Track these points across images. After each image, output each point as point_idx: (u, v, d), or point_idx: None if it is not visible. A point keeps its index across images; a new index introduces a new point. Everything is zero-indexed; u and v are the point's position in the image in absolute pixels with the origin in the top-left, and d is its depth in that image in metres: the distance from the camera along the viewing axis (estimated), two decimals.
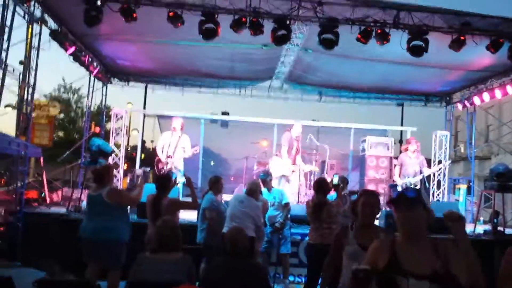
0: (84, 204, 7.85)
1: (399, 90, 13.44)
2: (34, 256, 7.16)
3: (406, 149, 9.60)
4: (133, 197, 5.63)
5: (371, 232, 3.41)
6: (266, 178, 7.14)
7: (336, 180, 5.83)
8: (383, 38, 7.83)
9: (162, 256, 3.64)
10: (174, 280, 3.32)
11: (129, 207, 6.25)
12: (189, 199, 5.92)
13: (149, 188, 7.73)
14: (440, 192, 12.05)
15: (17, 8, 7.91)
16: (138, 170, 11.08)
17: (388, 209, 7.55)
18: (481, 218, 10.42)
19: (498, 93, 10.93)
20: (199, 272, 4.90)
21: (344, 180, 6.59)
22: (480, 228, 8.60)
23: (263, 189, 6.96)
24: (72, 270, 5.67)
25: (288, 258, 6.80)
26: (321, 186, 5.63)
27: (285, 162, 9.19)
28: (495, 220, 8.32)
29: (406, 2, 8.14)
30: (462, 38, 7.93)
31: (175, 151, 9.05)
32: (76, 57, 9.94)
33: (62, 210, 8.16)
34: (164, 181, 5.75)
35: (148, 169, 11.98)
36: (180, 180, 8.43)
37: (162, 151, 9.14)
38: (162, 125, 12.98)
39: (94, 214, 5.18)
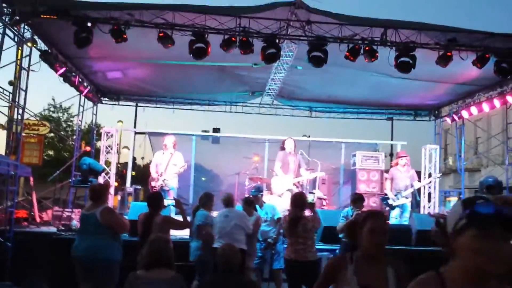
0: (74, 223, 7.82)
1: (388, 104, 13.60)
2: (24, 276, 7.09)
3: (397, 164, 9.69)
4: (124, 222, 5.55)
5: (378, 269, 2.61)
6: (257, 194, 7.20)
7: (310, 198, 5.95)
8: (371, 55, 7.95)
9: (154, 275, 3.62)
10: None
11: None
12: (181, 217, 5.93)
13: (139, 206, 7.74)
14: (431, 205, 12.12)
15: (7, 30, 7.94)
16: (129, 188, 11.07)
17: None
18: None
19: (485, 107, 11.09)
20: None
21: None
22: None
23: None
24: None
25: (281, 273, 6.79)
26: (298, 200, 5.69)
27: (283, 177, 9.28)
28: None
29: (393, 19, 8.28)
30: (448, 54, 8.07)
31: (167, 168, 9.06)
32: (66, 77, 9.95)
33: (52, 229, 8.10)
34: (157, 198, 5.74)
35: (139, 187, 11.96)
36: (169, 201, 8.48)
37: (156, 171, 9.17)
38: (153, 143, 12.98)
39: (87, 233, 5.17)
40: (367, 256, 2.67)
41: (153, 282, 3.56)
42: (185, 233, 7.23)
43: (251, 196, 7.21)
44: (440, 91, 11.70)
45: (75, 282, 5.15)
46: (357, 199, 7.02)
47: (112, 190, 11.73)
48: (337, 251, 7.14)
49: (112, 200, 11.55)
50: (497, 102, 10.68)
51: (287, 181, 9.24)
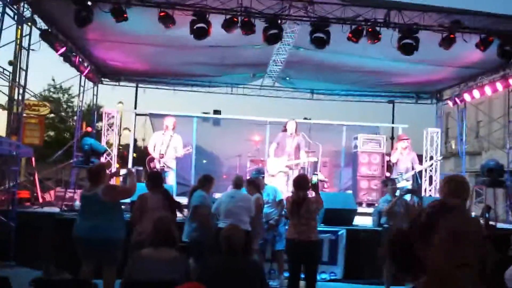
0: (77, 203, 7.85)
1: (390, 87, 13.52)
2: (28, 256, 7.16)
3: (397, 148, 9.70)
4: (127, 189, 5.69)
5: None
6: (258, 176, 7.23)
7: (314, 179, 5.96)
8: (374, 37, 7.89)
9: (158, 254, 3.63)
10: (171, 279, 3.33)
11: (123, 206, 6.26)
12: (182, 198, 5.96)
13: (141, 187, 7.77)
14: (432, 188, 12.15)
15: (7, 9, 7.87)
16: (122, 170, 10.91)
17: (379, 204, 7.63)
18: (473, 213, 10.52)
19: (488, 90, 11.03)
20: None
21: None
22: None
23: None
24: (67, 268, 5.67)
25: (283, 254, 6.85)
26: (300, 182, 5.72)
27: (275, 159, 9.26)
28: (487, 215, 8.39)
29: (396, 0, 8.19)
30: (452, 36, 8.00)
31: (167, 150, 9.05)
32: (66, 57, 9.88)
33: (55, 209, 8.13)
34: (156, 177, 5.75)
35: (140, 168, 11.97)
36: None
37: (154, 150, 9.13)
38: (154, 124, 12.96)
39: (89, 213, 5.19)
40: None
41: (156, 262, 3.58)
42: (180, 214, 7.32)
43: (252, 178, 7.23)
44: (442, 74, 11.63)
45: (78, 262, 5.18)
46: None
47: (114, 171, 11.74)
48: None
49: (115, 181, 11.57)
50: (499, 86, 10.63)
51: (280, 163, 9.24)
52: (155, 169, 9.03)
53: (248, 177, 8.62)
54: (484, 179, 8.78)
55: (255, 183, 6.70)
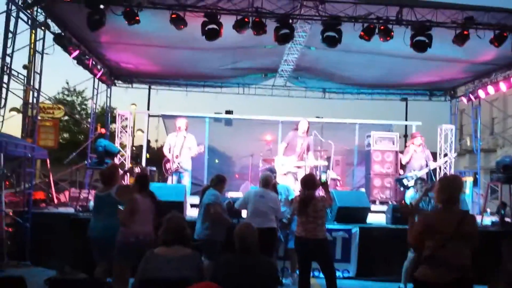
0: (91, 204, 7.93)
1: (403, 85, 13.43)
2: (43, 256, 7.25)
3: (412, 144, 9.62)
4: None
5: None
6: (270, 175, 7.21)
7: (324, 177, 5.98)
8: (386, 34, 7.84)
9: (171, 252, 3.64)
10: (185, 277, 3.34)
11: None
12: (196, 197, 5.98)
13: (154, 187, 7.82)
14: None
15: (20, 14, 7.98)
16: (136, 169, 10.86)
17: (394, 202, 7.61)
18: (488, 210, 10.43)
19: (502, 86, 10.90)
20: None
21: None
22: (487, 220, 8.62)
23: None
24: (82, 268, 5.75)
25: (295, 252, 6.85)
26: (308, 182, 5.76)
27: (284, 159, 9.24)
28: (503, 212, 8.34)
29: None
30: (465, 32, 7.92)
31: (182, 151, 9.10)
32: (79, 60, 9.99)
33: (70, 210, 8.23)
34: (144, 179, 5.81)
35: (153, 168, 12.06)
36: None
37: (170, 152, 9.20)
38: (167, 125, 13.04)
39: (102, 213, 5.25)
40: None
41: (170, 260, 3.59)
42: (194, 213, 7.40)
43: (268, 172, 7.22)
44: (456, 71, 11.52)
45: (92, 262, 5.24)
46: None
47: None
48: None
49: (128, 181, 11.69)
50: None
51: (289, 163, 9.20)
52: (170, 171, 9.09)
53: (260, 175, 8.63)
54: (500, 176, 8.67)
55: (270, 183, 6.60)
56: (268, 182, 6.53)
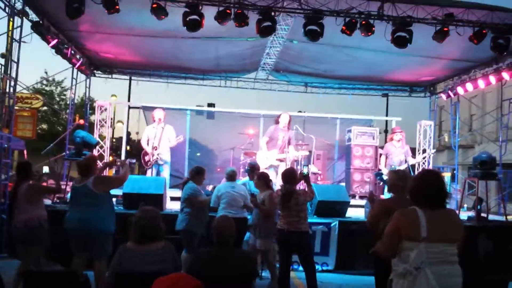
0: (69, 195, 7.83)
1: (384, 80, 13.55)
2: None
3: (391, 139, 9.70)
4: (118, 177, 5.83)
5: None
6: (252, 172, 7.29)
7: (305, 170, 6.01)
8: (368, 29, 7.87)
9: (143, 248, 3.60)
10: (160, 270, 3.32)
11: (114, 199, 6.27)
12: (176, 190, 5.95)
13: (134, 180, 7.76)
14: None
15: None
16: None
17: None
18: (465, 205, 10.60)
19: (481, 83, 11.05)
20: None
21: None
22: (464, 215, 8.74)
23: (248, 181, 7.33)
24: (58, 260, 5.66)
25: (275, 245, 6.86)
26: (289, 176, 5.78)
27: (266, 153, 9.22)
28: (479, 207, 8.48)
29: None
30: (445, 29, 8.00)
31: (160, 142, 9.01)
32: (58, 49, 9.82)
33: (47, 201, 8.09)
34: (24, 166, 5.85)
35: (133, 161, 11.93)
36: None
37: (148, 144, 9.11)
38: (148, 117, 12.92)
39: (79, 205, 5.17)
40: None
41: (142, 255, 3.55)
42: (173, 206, 7.42)
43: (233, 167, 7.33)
44: (436, 67, 11.65)
45: (69, 254, 5.17)
46: None
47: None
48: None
49: (107, 174, 11.55)
50: (492, 79, 10.66)
51: (271, 157, 9.20)
52: (149, 163, 9.02)
53: (242, 169, 8.61)
54: (476, 172, 8.81)
55: (266, 178, 6.42)
56: (234, 175, 6.86)
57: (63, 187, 8.81)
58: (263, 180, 6.36)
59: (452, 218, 3.10)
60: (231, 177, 6.84)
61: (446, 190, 3.15)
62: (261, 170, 8.00)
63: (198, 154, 13.35)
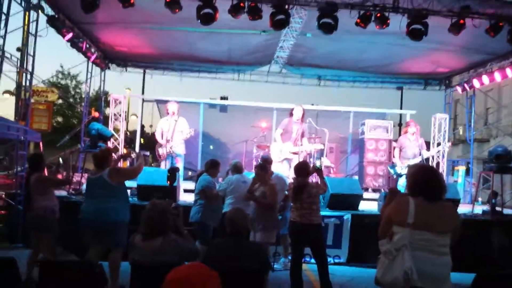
0: (84, 187, 7.94)
1: (398, 73, 13.43)
2: None
3: (406, 132, 9.64)
4: (132, 169, 6.02)
5: None
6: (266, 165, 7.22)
7: (318, 163, 6.00)
8: (383, 22, 7.81)
9: (146, 245, 3.61)
10: (166, 262, 3.35)
11: (129, 190, 6.35)
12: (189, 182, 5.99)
13: (148, 172, 7.84)
14: None
15: None
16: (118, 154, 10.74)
17: (386, 190, 7.65)
18: (480, 199, 10.53)
19: (497, 76, 10.93)
20: None
21: None
22: (479, 209, 8.69)
23: None
24: (74, 251, 5.75)
25: (287, 238, 6.89)
26: (301, 169, 5.78)
27: (281, 145, 9.21)
28: (493, 201, 8.40)
29: None
30: (461, 21, 7.91)
31: (173, 135, 9.07)
32: (73, 43, 9.92)
33: (63, 193, 8.21)
34: (35, 159, 5.95)
35: (147, 153, 12.02)
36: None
37: (162, 137, 9.18)
38: (161, 110, 12.99)
39: (94, 196, 5.24)
40: None
41: (145, 253, 3.58)
42: (187, 198, 7.51)
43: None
44: (451, 60, 11.52)
45: (85, 244, 5.25)
46: None
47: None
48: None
49: (122, 165, 11.67)
50: (509, 72, 10.52)
51: (285, 149, 9.19)
52: (162, 156, 9.10)
53: (255, 163, 8.60)
54: (492, 165, 8.72)
55: (266, 169, 6.43)
56: (239, 168, 6.72)
57: (78, 179, 8.95)
58: (264, 171, 6.30)
59: (446, 210, 3.24)
60: (239, 169, 6.72)
61: (441, 183, 3.30)
62: (274, 163, 8.03)
63: (211, 147, 13.40)
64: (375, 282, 3.25)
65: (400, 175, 9.30)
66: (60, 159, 6.17)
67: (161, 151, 9.19)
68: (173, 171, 6.73)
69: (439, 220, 3.15)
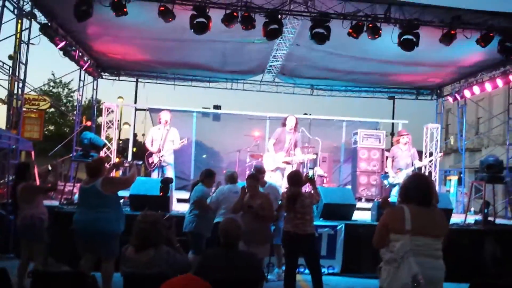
0: (76, 196, 7.86)
1: (391, 83, 13.54)
2: None
3: (398, 142, 9.68)
4: (126, 178, 5.95)
5: None
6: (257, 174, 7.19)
7: (311, 173, 5.96)
8: (375, 32, 7.88)
9: (138, 257, 3.56)
10: (163, 274, 3.31)
11: (121, 200, 6.30)
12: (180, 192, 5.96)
13: (141, 181, 7.79)
14: None
15: (6, 3, 7.87)
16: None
17: (380, 200, 7.65)
18: (472, 209, 10.56)
19: (488, 86, 11.05)
20: None
21: None
22: (471, 218, 8.70)
23: None
24: (66, 261, 5.69)
25: (281, 248, 6.86)
26: (294, 178, 5.77)
27: (274, 155, 9.21)
28: (486, 211, 8.43)
29: None
30: (452, 32, 7.99)
31: (164, 144, 9.02)
32: (66, 51, 9.89)
33: (55, 203, 8.14)
34: (22, 168, 5.96)
35: (140, 162, 11.96)
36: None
37: (152, 145, 9.12)
38: (154, 119, 12.96)
39: (87, 206, 5.20)
40: None
41: (137, 265, 3.54)
42: (179, 208, 7.48)
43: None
44: (443, 71, 11.63)
45: (77, 255, 5.20)
46: None
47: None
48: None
49: (114, 174, 11.60)
50: (500, 82, 10.65)
51: (278, 159, 9.18)
52: (153, 165, 9.04)
53: (248, 172, 8.57)
54: (483, 175, 8.76)
55: (258, 179, 6.28)
56: (234, 178, 6.62)
57: (70, 188, 8.88)
58: (257, 182, 6.08)
59: (436, 215, 3.39)
60: (234, 179, 6.63)
61: (432, 190, 3.44)
62: (267, 172, 8.00)
63: (204, 156, 13.36)
64: None
65: (393, 185, 9.33)
66: (49, 166, 6.10)
67: (151, 160, 9.12)
68: (166, 182, 6.70)
69: (433, 225, 3.30)
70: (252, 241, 5.43)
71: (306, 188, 7.11)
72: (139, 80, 14.12)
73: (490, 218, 8.47)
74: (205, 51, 10.69)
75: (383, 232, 3.36)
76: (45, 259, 5.15)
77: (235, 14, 7.64)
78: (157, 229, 3.65)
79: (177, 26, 8.06)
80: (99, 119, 16.19)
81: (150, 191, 7.43)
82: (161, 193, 6.59)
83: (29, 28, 8.51)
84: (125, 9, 7.43)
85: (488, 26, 8.05)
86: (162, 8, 7.50)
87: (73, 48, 10.28)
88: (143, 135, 30.12)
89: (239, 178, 7.07)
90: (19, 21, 8.38)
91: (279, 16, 7.84)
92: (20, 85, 8.55)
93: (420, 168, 9.66)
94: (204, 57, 11.40)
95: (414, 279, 3.08)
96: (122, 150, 13.89)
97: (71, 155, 10.94)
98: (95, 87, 13.18)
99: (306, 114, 14.37)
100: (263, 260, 6.01)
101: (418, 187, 3.39)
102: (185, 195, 8.92)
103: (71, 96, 25.45)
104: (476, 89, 11.45)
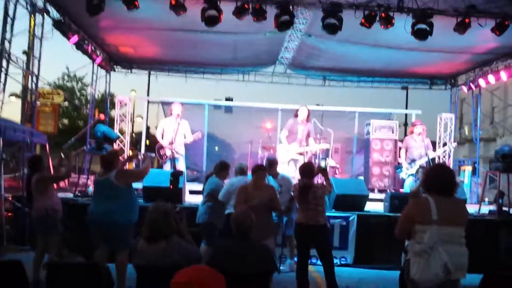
0: (90, 189, 7.96)
1: (404, 73, 13.40)
2: None
3: (412, 132, 9.60)
4: (140, 170, 5.99)
5: None
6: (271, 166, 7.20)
7: (323, 164, 5.94)
8: (387, 22, 7.80)
9: (149, 248, 3.59)
10: (175, 264, 3.33)
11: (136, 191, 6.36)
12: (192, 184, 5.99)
13: (154, 173, 7.84)
14: None
15: None
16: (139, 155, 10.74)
17: (392, 191, 7.61)
18: (486, 199, 10.46)
19: (503, 75, 10.88)
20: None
21: None
22: (485, 209, 8.64)
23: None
24: (81, 253, 5.75)
25: (293, 240, 6.87)
26: (306, 170, 5.76)
27: (287, 146, 9.19)
28: (500, 201, 8.35)
29: None
30: (467, 20, 7.89)
31: (176, 137, 9.03)
32: (79, 46, 9.96)
33: (69, 195, 8.24)
34: (35, 160, 5.95)
35: (153, 155, 12.03)
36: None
37: (162, 137, 9.11)
38: (166, 112, 13.01)
39: (102, 197, 5.27)
40: None
41: (149, 256, 3.57)
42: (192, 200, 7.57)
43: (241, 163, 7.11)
44: (457, 60, 11.48)
45: (91, 247, 5.27)
46: None
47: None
48: None
49: (128, 167, 11.70)
50: None
51: (291, 150, 9.16)
52: (164, 157, 9.06)
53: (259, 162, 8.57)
54: (498, 165, 8.66)
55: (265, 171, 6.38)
56: (244, 170, 6.62)
57: (84, 181, 8.98)
58: (264, 172, 5.96)
59: (458, 204, 3.54)
60: (243, 171, 6.61)
61: (454, 181, 3.55)
62: (280, 164, 8.00)
63: (217, 148, 13.41)
64: (406, 283, 3.43)
65: (406, 176, 9.27)
66: (62, 154, 6.19)
67: (163, 152, 9.14)
68: (176, 176, 6.72)
69: (457, 213, 3.42)
70: (255, 236, 5.44)
71: (319, 179, 7.11)
72: (151, 72, 14.18)
73: (504, 208, 8.39)
74: (216, 43, 10.67)
75: (407, 223, 3.46)
76: (60, 250, 5.21)
77: (246, 6, 7.62)
78: (168, 220, 3.67)
79: (188, 19, 8.06)
80: (112, 112, 16.32)
81: (163, 183, 7.48)
82: (171, 186, 6.62)
83: (42, 23, 8.58)
84: (136, 3, 7.46)
85: (503, 14, 7.92)
86: (173, 2, 7.51)
87: (86, 42, 10.36)
88: (156, 127, 30.29)
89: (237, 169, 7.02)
90: (32, 16, 8.45)
91: (291, 7, 7.80)
92: (34, 79, 8.64)
93: (434, 159, 9.58)
94: (215, 50, 11.38)
95: (445, 268, 3.21)
96: (135, 142, 13.99)
97: (85, 148, 11.05)
98: (108, 81, 13.28)
99: (318, 105, 14.28)
100: (274, 248, 6.03)
101: (441, 177, 3.49)
102: (197, 186, 8.97)
103: (85, 90, 25.69)
104: (491, 78, 11.29)
